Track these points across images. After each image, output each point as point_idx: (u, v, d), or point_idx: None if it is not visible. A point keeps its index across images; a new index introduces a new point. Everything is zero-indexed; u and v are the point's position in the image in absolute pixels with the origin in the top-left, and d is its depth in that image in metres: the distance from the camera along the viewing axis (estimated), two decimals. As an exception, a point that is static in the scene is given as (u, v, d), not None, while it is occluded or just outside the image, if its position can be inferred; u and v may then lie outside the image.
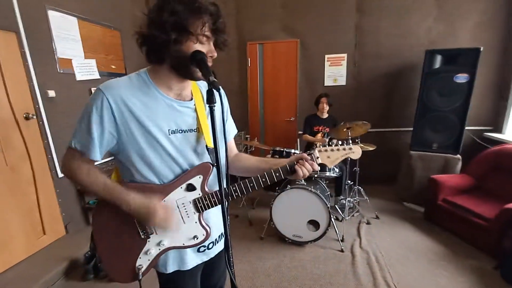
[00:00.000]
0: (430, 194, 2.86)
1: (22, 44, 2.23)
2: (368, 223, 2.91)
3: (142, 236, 0.89)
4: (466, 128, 3.05)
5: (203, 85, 0.97)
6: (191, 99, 0.90)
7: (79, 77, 2.79)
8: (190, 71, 0.80)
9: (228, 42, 0.86)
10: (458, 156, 3.07)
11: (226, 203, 0.74)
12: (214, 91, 0.70)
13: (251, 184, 0.90)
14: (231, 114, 1.09)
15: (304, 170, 0.90)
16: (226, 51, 0.90)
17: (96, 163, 0.87)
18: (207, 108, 0.91)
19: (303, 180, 2.56)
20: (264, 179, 0.90)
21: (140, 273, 0.89)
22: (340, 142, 1.00)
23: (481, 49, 2.82)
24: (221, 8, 0.79)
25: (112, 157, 0.89)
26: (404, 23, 3.50)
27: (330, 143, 0.99)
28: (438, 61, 3.07)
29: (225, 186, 0.96)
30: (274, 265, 2.29)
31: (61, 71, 2.61)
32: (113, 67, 3.29)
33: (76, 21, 2.76)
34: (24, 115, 2.28)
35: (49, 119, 2.49)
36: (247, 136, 4.12)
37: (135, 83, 0.82)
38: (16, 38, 2.19)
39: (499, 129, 3.39)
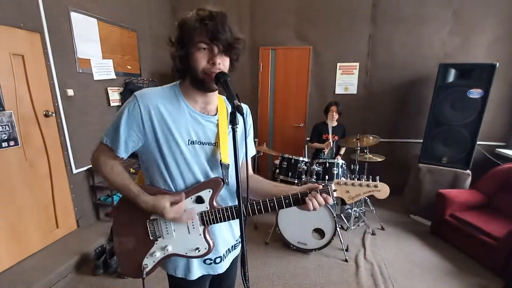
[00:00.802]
0: (437, 209, 2.83)
1: (45, 44, 2.32)
2: (373, 233, 2.91)
3: (151, 238, 0.94)
4: (478, 143, 3.02)
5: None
6: (215, 114, 0.95)
7: (96, 76, 2.88)
8: (201, 83, 0.85)
9: (233, 44, 0.83)
10: (468, 171, 3.04)
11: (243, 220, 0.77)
12: (238, 114, 0.73)
13: (258, 207, 0.90)
14: None
15: (315, 203, 0.85)
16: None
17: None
18: (229, 127, 0.96)
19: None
20: (272, 204, 0.89)
21: (145, 272, 0.94)
22: (364, 177, 0.90)
23: (497, 65, 2.79)
24: (215, 13, 0.79)
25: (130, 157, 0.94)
26: (418, 35, 3.48)
27: (346, 171, 1.00)
28: (452, 75, 3.05)
29: (233, 204, 0.99)
30: (278, 271, 2.32)
31: (80, 71, 2.70)
32: (129, 67, 3.38)
33: (96, 22, 2.85)
34: (44, 113, 2.37)
35: (66, 117, 2.58)
36: (255, 140, 4.15)
37: (167, 93, 0.89)
38: (40, 38, 2.28)
39: (511, 146, 3.34)
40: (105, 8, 2.92)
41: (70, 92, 2.59)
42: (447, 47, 3.44)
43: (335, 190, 0.89)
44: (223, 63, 0.84)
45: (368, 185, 0.87)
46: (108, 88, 3.03)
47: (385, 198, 0.89)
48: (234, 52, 0.86)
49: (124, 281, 2.15)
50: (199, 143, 0.90)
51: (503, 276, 2.18)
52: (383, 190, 0.87)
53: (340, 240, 2.54)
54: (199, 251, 0.93)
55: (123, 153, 0.89)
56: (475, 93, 2.90)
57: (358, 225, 3.04)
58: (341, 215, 3.10)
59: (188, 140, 0.88)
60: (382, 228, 3.02)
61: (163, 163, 0.89)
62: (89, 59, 2.79)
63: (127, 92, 3.21)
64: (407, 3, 3.44)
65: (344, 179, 0.90)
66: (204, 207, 0.92)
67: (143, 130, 0.85)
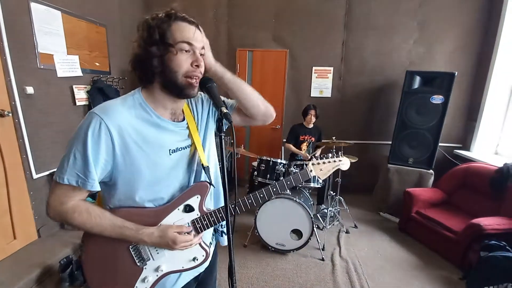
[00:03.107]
0: (404, 206, 3.03)
1: (1, 37, 2.09)
2: (347, 232, 3.03)
3: (138, 264, 0.86)
4: (439, 144, 3.27)
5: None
6: (183, 118, 0.90)
7: (60, 73, 2.66)
8: (179, 88, 0.79)
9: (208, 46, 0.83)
10: (431, 171, 3.28)
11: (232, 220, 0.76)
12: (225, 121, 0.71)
13: (249, 201, 0.95)
14: None
15: None
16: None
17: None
18: (197, 119, 0.95)
19: (288, 190, 2.61)
20: (262, 195, 0.96)
21: None
22: (330, 154, 1.02)
23: (456, 74, 3.05)
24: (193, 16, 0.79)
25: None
26: (388, 43, 3.69)
27: (316, 157, 1.03)
28: (417, 81, 3.28)
29: (214, 204, 1.01)
30: (257, 273, 2.32)
31: (42, 67, 2.47)
32: (97, 64, 3.17)
33: (60, 15, 2.63)
34: (-1, 112, 2.14)
35: (25, 117, 2.34)
36: (232, 141, 4.12)
37: (132, 106, 0.79)
38: (-5, 30, 2.05)
39: (467, 147, 3.67)
40: (70, 0, 2.71)
41: (30, 89, 2.35)
42: (413, 55, 3.69)
43: (311, 171, 1.01)
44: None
45: (334, 161, 1.02)
46: (74, 86, 2.82)
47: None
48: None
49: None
50: (179, 149, 0.86)
51: (462, 268, 2.38)
52: (345, 162, 1.02)
53: (317, 239, 2.61)
54: (197, 260, 0.90)
55: (96, 186, 0.75)
56: (437, 99, 3.14)
57: (333, 224, 3.14)
58: (317, 215, 3.19)
59: (170, 150, 0.83)
60: (355, 226, 3.16)
61: (139, 180, 0.79)
62: (52, 54, 2.57)
63: (95, 90, 3.01)
64: (377, 13, 3.63)
65: (317, 160, 1.03)
66: (195, 214, 0.88)
67: (112, 154, 0.74)
